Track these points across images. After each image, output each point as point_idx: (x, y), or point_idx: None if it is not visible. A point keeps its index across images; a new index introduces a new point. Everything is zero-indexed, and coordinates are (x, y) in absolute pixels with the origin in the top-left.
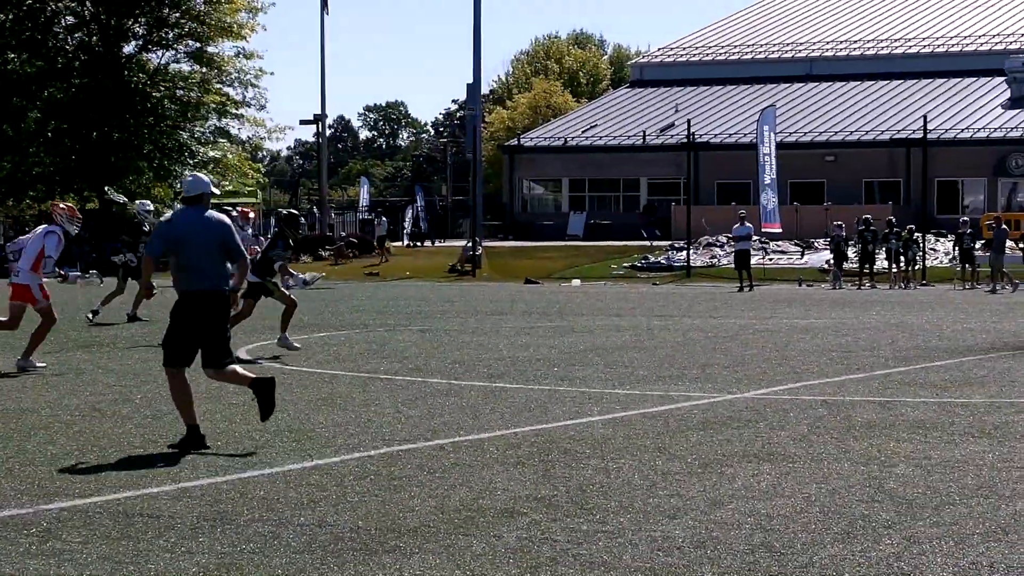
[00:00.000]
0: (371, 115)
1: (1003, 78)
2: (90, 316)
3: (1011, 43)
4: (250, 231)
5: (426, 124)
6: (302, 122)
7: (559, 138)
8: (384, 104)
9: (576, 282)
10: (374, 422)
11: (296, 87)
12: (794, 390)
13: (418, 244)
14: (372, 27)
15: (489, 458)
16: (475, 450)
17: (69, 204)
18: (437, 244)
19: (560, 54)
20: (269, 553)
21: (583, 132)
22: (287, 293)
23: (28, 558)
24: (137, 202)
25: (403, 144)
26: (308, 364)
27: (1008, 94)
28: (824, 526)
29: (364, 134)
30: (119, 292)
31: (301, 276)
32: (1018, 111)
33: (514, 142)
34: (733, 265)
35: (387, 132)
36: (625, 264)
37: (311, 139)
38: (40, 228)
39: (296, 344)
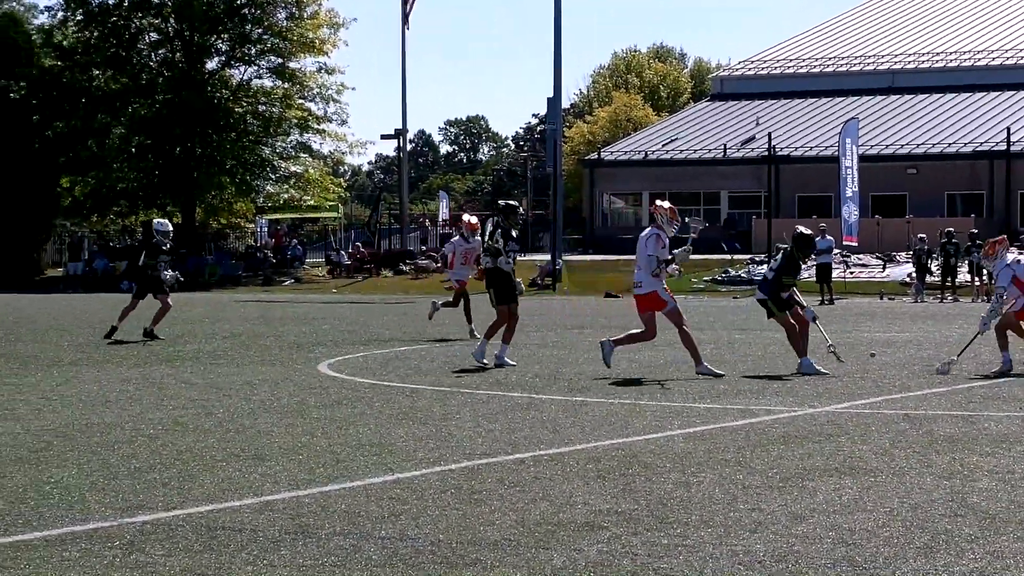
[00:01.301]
0: (452, 129)
1: None
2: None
3: None
4: (477, 239)
5: (506, 138)
6: (383, 137)
7: (639, 152)
8: (465, 118)
9: None
10: (455, 436)
11: (377, 102)
12: (876, 404)
13: None
14: (453, 42)
15: (570, 472)
16: (556, 464)
17: (670, 205)
18: (518, 258)
19: (640, 68)
20: (350, 566)
21: (663, 145)
22: (787, 317)
23: (112, 570)
24: (155, 220)
25: (483, 158)
26: (389, 378)
27: None
28: (906, 540)
29: (445, 148)
30: (132, 307)
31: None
32: None
33: (594, 156)
34: (814, 279)
35: (468, 146)
36: (705, 278)
37: (392, 153)
38: (646, 232)
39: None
